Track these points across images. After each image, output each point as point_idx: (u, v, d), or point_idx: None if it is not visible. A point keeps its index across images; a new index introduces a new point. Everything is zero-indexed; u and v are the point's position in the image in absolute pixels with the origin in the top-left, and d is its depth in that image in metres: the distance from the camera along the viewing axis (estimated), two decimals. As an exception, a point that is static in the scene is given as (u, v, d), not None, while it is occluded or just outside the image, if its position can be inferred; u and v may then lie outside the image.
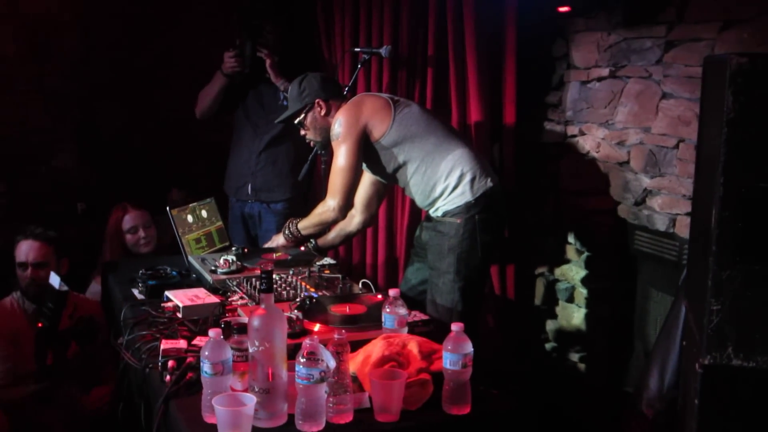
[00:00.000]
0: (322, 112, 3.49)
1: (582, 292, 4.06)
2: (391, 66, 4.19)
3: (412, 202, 3.62)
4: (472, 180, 3.29)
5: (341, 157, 3.39)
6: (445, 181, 3.31)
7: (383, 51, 3.97)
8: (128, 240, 4.28)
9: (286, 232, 3.64)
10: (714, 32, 3.18)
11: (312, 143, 3.64)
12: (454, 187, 3.30)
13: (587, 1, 3.63)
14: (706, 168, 2.23)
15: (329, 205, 3.47)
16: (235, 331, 2.22)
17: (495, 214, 3.35)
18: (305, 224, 3.60)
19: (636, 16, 3.60)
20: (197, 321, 2.74)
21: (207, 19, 5.17)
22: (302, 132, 3.59)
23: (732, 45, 3.08)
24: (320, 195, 4.13)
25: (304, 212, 4.59)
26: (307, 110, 3.50)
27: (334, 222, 3.62)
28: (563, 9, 3.67)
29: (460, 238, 3.27)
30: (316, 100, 3.47)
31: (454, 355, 2.16)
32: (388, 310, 2.56)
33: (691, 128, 3.28)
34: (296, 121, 3.54)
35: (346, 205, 3.51)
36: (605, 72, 3.80)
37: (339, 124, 3.38)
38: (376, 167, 3.50)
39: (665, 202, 3.47)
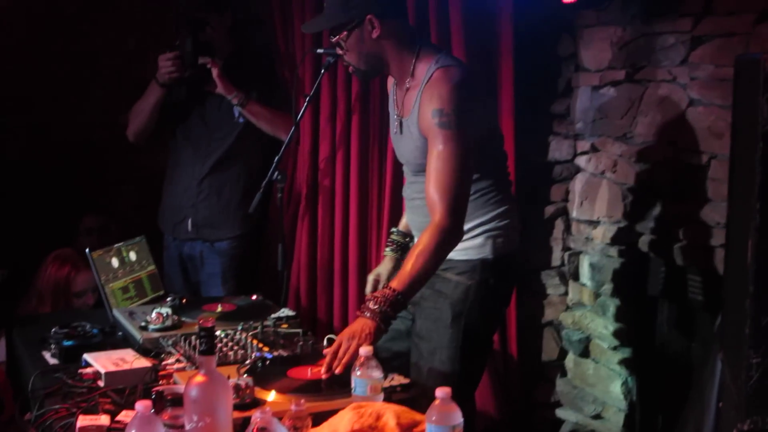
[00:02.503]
0: (374, 33, 3.06)
1: (598, 344, 4.08)
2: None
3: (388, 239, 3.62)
4: (501, 233, 3.16)
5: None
6: (475, 219, 3.11)
7: None
8: (73, 302, 4.27)
9: (378, 310, 2.89)
10: (748, 25, 3.24)
11: (351, 68, 3.23)
12: (475, 234, 3.13)
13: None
14: (740, 190, 2.27)
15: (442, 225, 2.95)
16: (168, 403, 2.22)
17: (510, 282, 3.30)
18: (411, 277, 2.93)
19: (656, 6, 3.66)
20: (123, 391, 2.73)
21: (137, 16, 5.19)
22: (339, 51, 3.19)
23: (770, 41, 3.15)
24: (275, 234, 4.16)
25: (258, 253, 4.62)
26: (353, 26, 3.07)
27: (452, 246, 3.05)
28: (569, 0, 3.73)
29: (468, 305, 3.11)
30: (368, 17, 3.04)
31: (440, 427, 2.16)
32: (358, 372, 2.55)
33: (724, 141, 3.33)
34: (334, 39, 3.14)
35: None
36: (621, 75, 3.86)
37: (454, 105, 2.94)
38: (416, 150, 3.12)
39: (697, 232, 3.51)
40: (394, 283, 2.89)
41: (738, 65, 2.42)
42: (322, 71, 4.06)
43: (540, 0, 4.01)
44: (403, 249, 3.51)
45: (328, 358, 2.76)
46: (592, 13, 3.99)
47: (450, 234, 2.93)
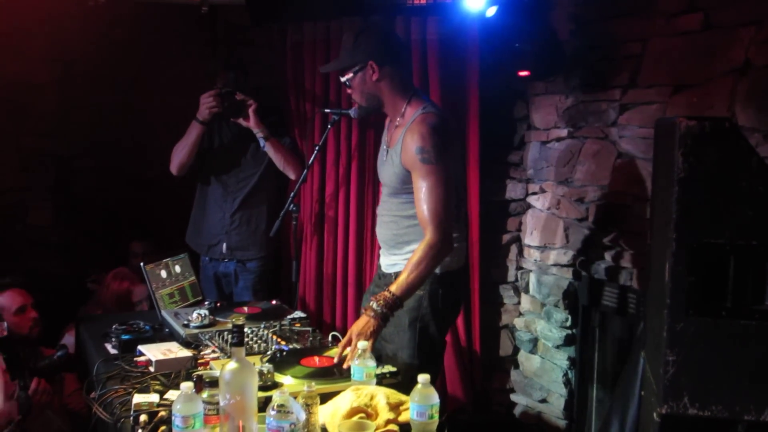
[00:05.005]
0: (374, 77, 3.03)
1: (544, 343, 4.07)
2: (359, 126, 4.23)
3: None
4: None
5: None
6: None
7: (352, 112, 3.91)
8: (134, 310, 4.24)
9: (380, 311, 2.85)
10: (666, 96, 3.27)
11: (354, 103, 3.22)
12: None
13: (546, 66, 3.70)
14: (659, 224, 2.28)
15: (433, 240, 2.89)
16: (206, 384, 2.20)
17: (457, 292, 3.22)
18: (407, 284, 2.89)
19: (592, 80, 3.69)
20: (170, 375, 2.71)
21: (184, 78, 5.19)
22: (348, 90, 3.17)
23: (682, 108, 3.17)
24: (290, 252, 4.14)
25: (277, 268, 4.60)
26: (358, 69, 3.05)
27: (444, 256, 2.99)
28: (523, 73, 3.75)
29: (422, 311, 3.04)
30: (369, 62, 3.02)
31: (421, 406, 2.16)
32: (357, 362, 2.54)
33: (644, 186, 3.34)
34: (343, 79, 3.12)
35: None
36: (564, 133, 3.88)
37: (432, 143, 2.90)
38: (394, 176, 3.07)
39: (622, 257, 3.52)
40: (393, 288, 2.85)
41: (658, 126, 2.44)
42: (329, 126, 4.03)
43: (500, 73, 4.04)
44: None
45: (340, 349, 2.73)
46: (541, 84, 4.02)
47: (439, 250, 2.89)
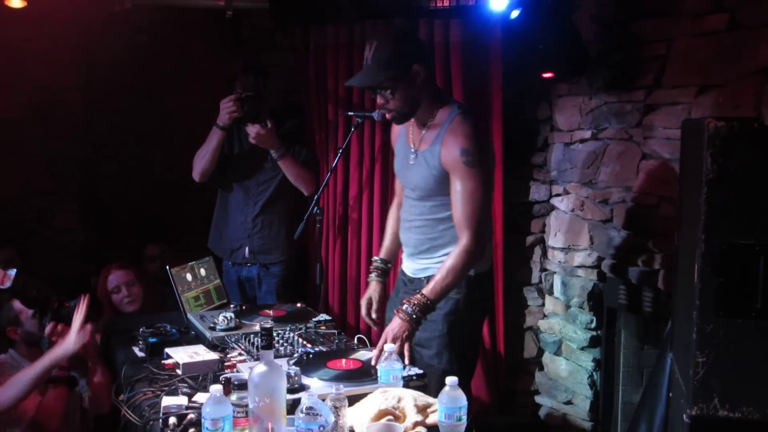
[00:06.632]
0: (419, 80, 2.91)
1: (568, 345, 4.06)
2: (383, 129, 4.23)
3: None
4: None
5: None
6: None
7: (376, 115, 3.88)
8: (114, 300, 4.19)
9: (414, 315, 2.84)
10: (691, 96, 3.25)
11: (390, 114, 3.02)
12: None
13: (570, 68, 3.69)
14: (687, 225, 2.27)
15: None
16: (235, 387, 2.21)
17: (488, 293, 3.23)
18: (442, 288, 2.87)
19: (616, 81, 3.67)
20: (197, 378, 2.73)
21: (206, 83, 5.21)
22: (380, 101, 2.97)
23: (708, 108, 3.14)
24: (314, 255, 4.14)
25: (297, 273, 4.61)
26: (403, 76, 2.89)
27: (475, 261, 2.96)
28: (547, 75, 3.74)
29: (459, 315, 3.01)
30: (415, 66, 2.89)
31: (450, 408, 2.16)
32: (383, 365, 2.55)
33: (670, 186, 3.32)
34: (385, 91, 2.93)
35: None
36: (587, 134, 3.87)
37: (476, 146, 2.86)
38: (430, 178, 3.02)
39: (648, 258, 3.50)
40: (427, 291, 2.84)
41: (685, 127, 2.43)
42: (353, 129, 4.02)
43: (523, 75, 4.03)
44: (385, 274, 3.40)
45: (377, 352, 2.71)
46: (564, 86, 4.01)
47: (474, 254, 2.89)
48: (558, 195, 4.13)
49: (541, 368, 4.31)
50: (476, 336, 3.23)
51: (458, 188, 2.90)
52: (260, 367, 2.12)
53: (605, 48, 3.70)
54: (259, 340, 2.99)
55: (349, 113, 4.09)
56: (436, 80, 3.85)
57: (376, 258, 3.46)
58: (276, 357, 2.77)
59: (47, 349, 3.32)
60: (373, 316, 3.35)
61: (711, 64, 3.17)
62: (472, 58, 3.98)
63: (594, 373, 3.94)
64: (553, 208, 4.19)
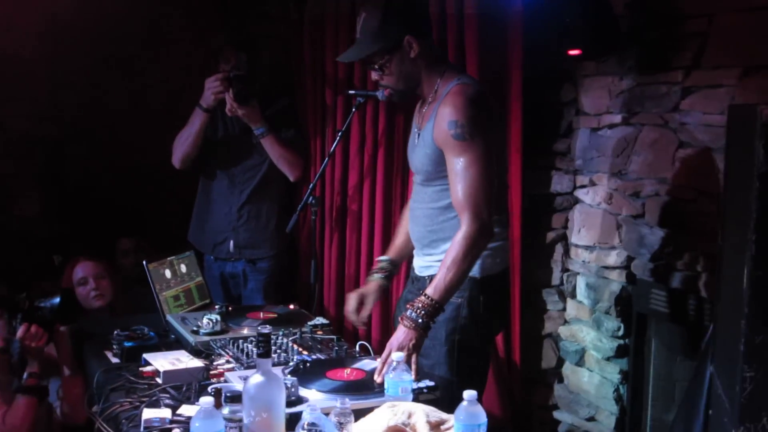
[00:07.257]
0: (412, 54, 2.95)
1: (593, 355, 4.08)
2: (387, 110, 4.23)
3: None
4: (490, 254, 3.04)
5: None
6: None
7: (379, 94, 3.86)
8: (79, 293, 4.12)
9: (419, 320, 2.82)
10: (734, 78, 3.25)
11: (388, 91, 3.12)
12: None
13: (599, 45, 3.69)
14: (734, 224, 2.27)
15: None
16: (227, 400, 2.22)
17: (499, 297, 3.19)
18: (445, 285, 2.84)
19: (650, 60, 3.68)
20: (180, 387, 2.74)
21: (182, 58, 5.20)
22: (375, 76, 3.08)
23: (753, 92, 3.14)
24: (308, 251, 4.14)
25: (288, 271, 4.61)
26: (393, 49, 2.95)
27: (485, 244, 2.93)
28: (573, 52, 3.73)
29: (461, 321, 3.02)
30: (406, 38, 2.93)
31: (468, 426, 2.17)
32: (391, 375, 2.55)
33: (711, 180, 3.33)
34: (376, 65, 3.01)
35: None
36: (617, 119, 3.87)
37: (468, 117, 2.85)
38: (425, 157, 3.04)
39: (685, 259, 3.51)
40: (430, 291, 2.82)
41: (732, 113, 2.42)
42: (353, 110, 4.04)
43: (546, 52, 4.03)
44: (389, 276, 3.40)
45: (380, 366, 2.72)
46: (592, 65, 4.00)
47: (476, 241, 2.83)
48: (583, 186, 4.13)
49: (561, 380, 4.32)
50: (482, 347, 3.22)
51: (452, 166, 2.89)
52: (257, 378, 2.13)
53: (638, 23, 3.69)
54: (251, 346, 3.02)
55: (350, 92, 4.09)
56: (449, 56, 3.87)
57: (384, 258, 3.44)
58: (269, 365, 2.79)
59: (18, 354, 3.34)
60: (362, 315, 3.32)
61: (758, 43, 3.17)
62: (488, 33, 3.97)
63: (620, 387, 3.95)
64: (577, 201, 4.19)
